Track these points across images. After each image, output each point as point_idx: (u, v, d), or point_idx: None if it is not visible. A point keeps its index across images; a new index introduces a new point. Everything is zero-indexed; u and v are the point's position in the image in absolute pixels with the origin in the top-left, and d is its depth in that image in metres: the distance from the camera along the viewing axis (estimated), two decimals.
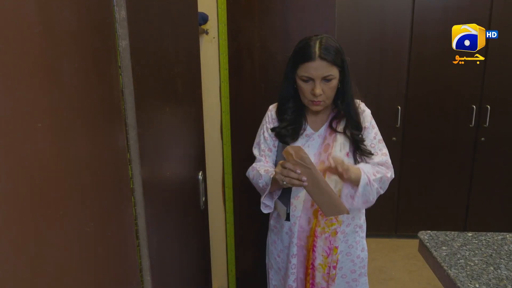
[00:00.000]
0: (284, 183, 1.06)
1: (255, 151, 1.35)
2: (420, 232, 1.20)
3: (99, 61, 0.57)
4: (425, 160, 2.77)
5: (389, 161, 1.25)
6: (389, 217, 2.89)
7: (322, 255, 1.24)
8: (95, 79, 0.55)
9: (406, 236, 2.92)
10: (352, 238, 1.31)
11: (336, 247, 1.24)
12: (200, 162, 1.24)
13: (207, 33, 1.71)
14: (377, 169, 1.20)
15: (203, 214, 1.27)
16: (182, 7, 1.03)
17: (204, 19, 1.66)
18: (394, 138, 2.74)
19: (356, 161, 1.23)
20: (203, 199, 1.21)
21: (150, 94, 0.76)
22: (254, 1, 1.64)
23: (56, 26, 0.46)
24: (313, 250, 1.24)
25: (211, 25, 1.70)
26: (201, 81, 1.25)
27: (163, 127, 0.85)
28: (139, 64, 0.68)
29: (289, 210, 1.20)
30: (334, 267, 1.25)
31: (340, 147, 1.23)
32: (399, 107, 2.70)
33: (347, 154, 1.23)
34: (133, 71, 0.65)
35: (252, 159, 1.79)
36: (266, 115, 1.34)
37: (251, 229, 1.88)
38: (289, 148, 1.05)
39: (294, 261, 1.29)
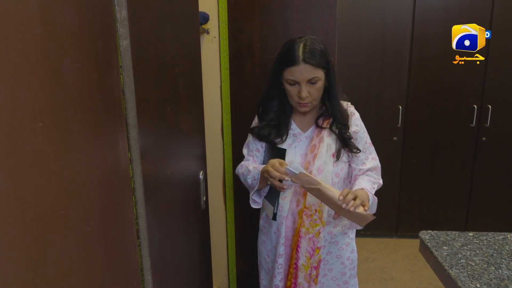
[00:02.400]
0: (268, 182, 1.15)
1: (245, 151, 1.37)
2: (421, 232, 1.20)
3: (100, 61, 0.57)
4: (426, 159, 2.77)
5: (379, 164, 1.31)
6: (390, 217, 2.89)
7: (305, 256, 1.24)
8: (96, 78, 0.55)
9: (407, 236, 2.92)
10: (342, 240, 1.30)
11: (319, 248, 1.24)
12: (201, 162, 1.24)
13: (208, 32, 1.71)
14: (373, 180, 1.27)
15: (204, 214, 1.27)
16: (183, 7, 1.03)
17: (205, 18, 1.66)
18: (395, 138, 2.74)
19: (338, 159, 1.25)
20: (204, 198, 1.21)
21: (151, 94, 0.76)
22: (255, 1, 1.64)
23: (57, 26, 0.46)
24: (297, 250, 1.25)
25: (212, 25, 1.70)
26: (202, 80, 1.25)
27: (164, 127, 0.85)
28: (140, 64, 0.68)
29: (276, 210, 1.23)
30: (316, 268, 1.25)
31: (327, 148, 1.23)
32: (400, 107, 2.70)
33: (333, 155, 1.24)
34: (134, 70, 0.65)
35: None
36: (256, 115, 1.35)
37: (252, 228, 1.88)
38: (294, 178, 1.09)
39: (280, 261, 1.29)
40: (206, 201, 1.26)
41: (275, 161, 1.13)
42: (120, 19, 0.62)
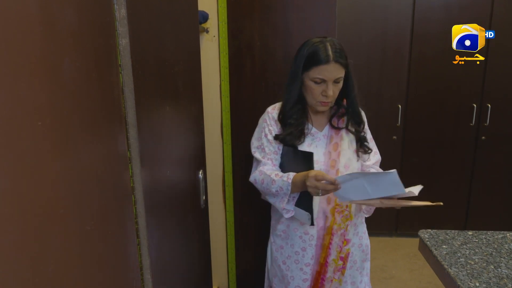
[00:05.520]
0: (320, 195, 1.09)
1: (257, 155, 1.30)
2: (421, 230, 1.20)
3: (100, 60, 0.57)
4: (426, 159, 2.77)
5: (380, 156, 1.38)
6: (390, 216, 2.89)
7: (336, 251, 1.26)
8: (95, 77, 0.55)
9: (406, 235, 2.92)
10: (361, 229, 1.35)
11: (347, 240, 1.27)
12: (200, 161, 1.24)
13: (207, 31, 1.71)
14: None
15: (204, 213, 1.27)
16: (183, 6, 1.03)
17: (205, 17, 1.66)
18: (394, 137, 2.74)
19: (359, 157, 1.29)
20: (204, 198, 1.21)
21: (150, 93, 0.76)
22: (255, 0, 1.64)
23: (56, 25, 0.46)
24: (329, 248, 1.25)
25: (212, 24, 1.70)
26: (201, 79, 1.25)
27: (163, 126, 0.85)
28: (139, 63, 0.68)
29: (314, 214, 1.20)
30: (342, 258, 1.27)
31: (348, 145, 1.26)
32: (400, 106, 2.69)
33: (355, 151, 1.27)
34: (133, 69, 0.65)
35: (251, 158, 1.79)
36: (267, 117, 1.30)
37: (252, 228, 1.88)
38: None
39: (313, 262, 1.28)
40: (206, 200, 1.26)
41: (315, 177, 1.08)
42: (119, 18, 0.62)
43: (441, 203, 1.02)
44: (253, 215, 1.86)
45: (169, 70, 0.89)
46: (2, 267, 0.37)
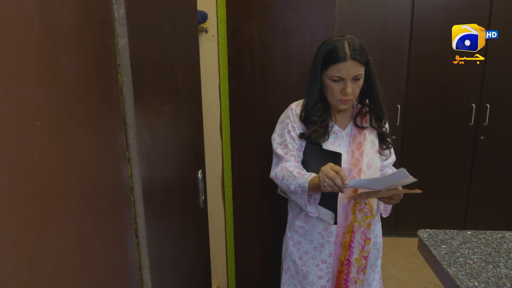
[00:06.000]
0: (325, 184, 1.05)
1: (280, 151, 1.29)
2: (420, 230, 1.20)
3: (99, 60, 0.56)
4: (425, 158, 2.77)
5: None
6: (389, 215, 2.89)
7: (358, 249, 1.25)
8: (94, 77, 0.55)
9: (405, 234, 2.92)
10: (377, 228, 1.36)
11: (369, 239, 1.27)
12: (199, 161, 1.24)
13: (206, 31, 1.71)
14: None
15: (203, 213, 1.27)
16: (182, 6, 1.03)
17: (204, 17, 1.66)
18: (393, 137, 2.74)
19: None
20: (203, 198, 1.21)
21: (149, 93, 0.76)
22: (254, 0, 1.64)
23: (55, 25, 0.46)
24: (350, 246, 1.25)
25: (211, 24, 1.70)
26: (201, 79, 1.25)
27: (162, 126, 0.85)
28: (138, 63, 0.68)
29: (337, 214, 1.19)
30: (365, 257, 1.27)
31: (371, 145, 1.27)
32: (399, 106, 2.70)
33: (378, 151, 1.28)
34: (132, 69, 0.65)
35: (253, 158, 1.79)
36: (290, 113, 1.30)
37: (251, 228, 1.88)
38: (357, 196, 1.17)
39: (330, 260, 1.28)
40: (205, 200, 1.26)
41: (334, 166, 1.06)
42: (118, 17, 0.62)
43: (420, 191, 1.10)
44: (253, 215, 1.86)
45: (168, 70, 0.89)
46: (1, 267, 0.37)
